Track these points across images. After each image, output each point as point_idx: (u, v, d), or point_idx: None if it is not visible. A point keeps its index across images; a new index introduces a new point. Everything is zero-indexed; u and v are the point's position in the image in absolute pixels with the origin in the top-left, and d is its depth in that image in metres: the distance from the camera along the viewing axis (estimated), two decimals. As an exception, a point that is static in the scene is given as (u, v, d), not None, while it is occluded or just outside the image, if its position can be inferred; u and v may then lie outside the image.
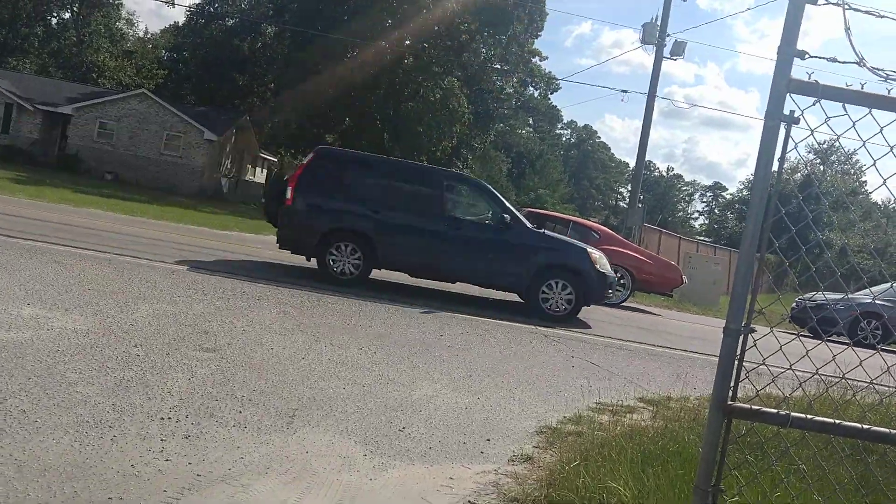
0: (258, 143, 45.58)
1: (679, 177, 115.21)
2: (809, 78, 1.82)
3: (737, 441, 1.98)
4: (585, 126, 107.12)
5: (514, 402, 5.34)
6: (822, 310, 12.89)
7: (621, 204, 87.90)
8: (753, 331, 1.87)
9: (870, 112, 1.88)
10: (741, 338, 1.84)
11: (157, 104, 36.04)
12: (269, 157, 51.16)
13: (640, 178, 23.96)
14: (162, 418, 3.79)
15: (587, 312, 11.94)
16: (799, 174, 50.61)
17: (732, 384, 1.87)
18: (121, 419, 3.68)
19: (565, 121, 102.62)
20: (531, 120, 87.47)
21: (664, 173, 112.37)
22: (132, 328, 5.40)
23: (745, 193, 52.70)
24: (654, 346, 9.01)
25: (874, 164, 1.98)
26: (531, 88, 50.51)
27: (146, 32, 66.01)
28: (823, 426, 1.85)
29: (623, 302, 14.23)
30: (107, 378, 4.25)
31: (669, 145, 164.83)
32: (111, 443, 3.38)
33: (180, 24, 54.11)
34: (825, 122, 1.86)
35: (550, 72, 49.79)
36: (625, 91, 51.26)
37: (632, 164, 26.43)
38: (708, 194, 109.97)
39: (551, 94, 51.07)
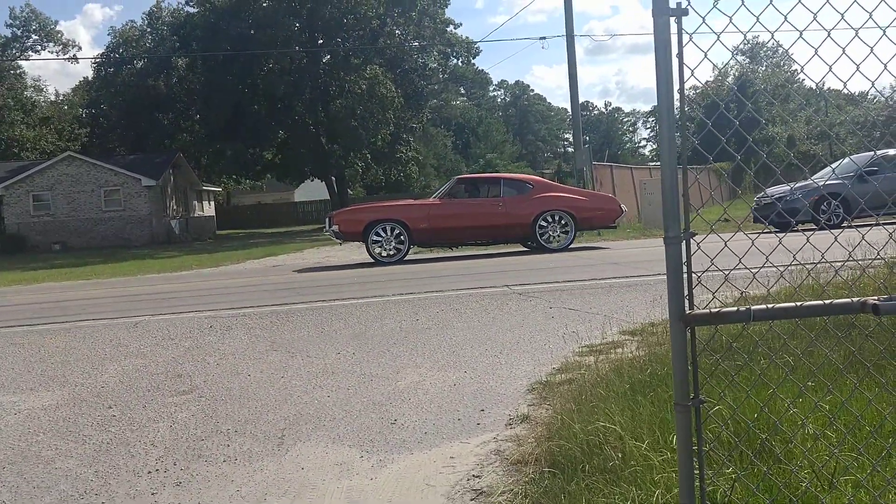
0: (199, 178, 44.90)
1: (619, 110, 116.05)
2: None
3: (706, 349, 1.94)
4: (517, 82, 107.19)
5: (502, 366, 5.30)
6: (780, 203, 13.07)
7: (569, 150, 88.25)
8: (694, 235, 1.82)
9: (757, -13, 1.83)
10: (682, 244, 1.79)
11: (86, 163, 35.33)
12: (213, 189, 50.44)
13: (578, 119, 24.01)
14: (149, 472, 3.68)
15: (554, 260, 11.96)
16: (731, 77, 51.09)
17: (687, 293, 1.82)
18: (107, 484, 3.56)
19: (496, 82, 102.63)
20: (462, 89, 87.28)
21: (603, 110, 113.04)
22: (103, 390, 5.26)
23: (685, 109, 52.94)
24: (627, 277, 9.03)
25: (798, 38, 1.94)
26: (453, 58, 50.24)
27: (57, 95, 64.29)
28: (786, 312, 1.82)
29: (570, 245, 14.24)
30: (85, 447, 4.12)
31: (602, 81, 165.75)
32: (100, 511, 3.27)
33: (90, 78, 52.80)
34: (714, 5, 1.81)
35: (468, 37, 49.63)
36: (543, 38, 51.35)
37: (570, 108, 26.55)
38: (650, 120, 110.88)
39: (474, 58, 50.88)
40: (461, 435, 3.95)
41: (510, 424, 4.03)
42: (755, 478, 2.22)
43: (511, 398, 4.51)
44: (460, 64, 54.40)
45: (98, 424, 4.51)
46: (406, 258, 13.98)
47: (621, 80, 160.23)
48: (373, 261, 13.78)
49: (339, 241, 14.70)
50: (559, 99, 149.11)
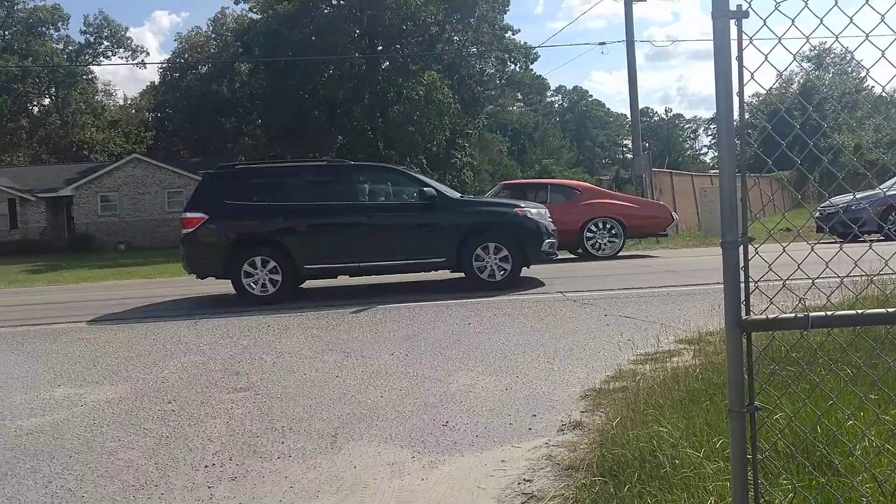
0: (259, 181, 45.69)
1: (679, 116, 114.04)
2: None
3: (762, 357, 1.91)
4: (575, 88, 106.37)
5: (555, 372, 5.27)
6: (846, 213, 12.66)
7: (628, 156, 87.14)
8: (752, 240, 1.80)
9: (820, -13, 1.80)
10: (740, 249, 1.76)
11: (151, 166, 36.43)
12: (272, 192, 51.27)
13: (637, 125, 23.73)
14: (206, 466, 3.78)
15: (610, 268, 11.84)
16: (795, 85, 49.77)
17: (743, 298, 1.79)
18: (165, 476, 3.66)
19: (554, 88, 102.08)
20: (519, 95, 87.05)
21: (664, 116, 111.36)
22: (163, 386, 5.41)
23: (746, 117, 52.06)
24: (685, 286, 8.88)
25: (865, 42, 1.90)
26: (510, 64, 50.20)
27: (126, 99, 66.53)
28: (847, 319, 1.78)
29: (618, 253, 13.99)
30: (146, 439, 4.25)
31: (663, 87, 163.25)
32: (159, 501, 3.37)
33: (156, 82, 54.48)
34: (776, 7, 1.78)
35: (526, 42, 49.52)
36: (602, 43, 51.38)
37: (629, 114, 26.16)
38: (711, 126, 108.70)
39: (531, 64, 50.75)
40: (512, 439, 3.94)
41: (562, 430, 4.00)
42: (812, 490, 2.17)
43: (563, 404, 4.48)
44: (518, 69, 54.34)
45: (158, 418, 4.64)
46: None
47: (682, 87, 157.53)
48: None
49: None
50: (618, 105, 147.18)
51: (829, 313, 1.75)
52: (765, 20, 1.78)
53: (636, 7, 22.71)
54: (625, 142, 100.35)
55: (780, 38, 1.80)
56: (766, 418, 2.35)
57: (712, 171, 47.95)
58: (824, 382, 2.49)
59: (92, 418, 4.71)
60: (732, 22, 1.75)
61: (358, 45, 42.36)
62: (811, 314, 1.74)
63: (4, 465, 3.94)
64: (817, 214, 13.60)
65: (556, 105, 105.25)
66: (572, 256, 14.93)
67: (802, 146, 2.12)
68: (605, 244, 13.91)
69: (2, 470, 3.86)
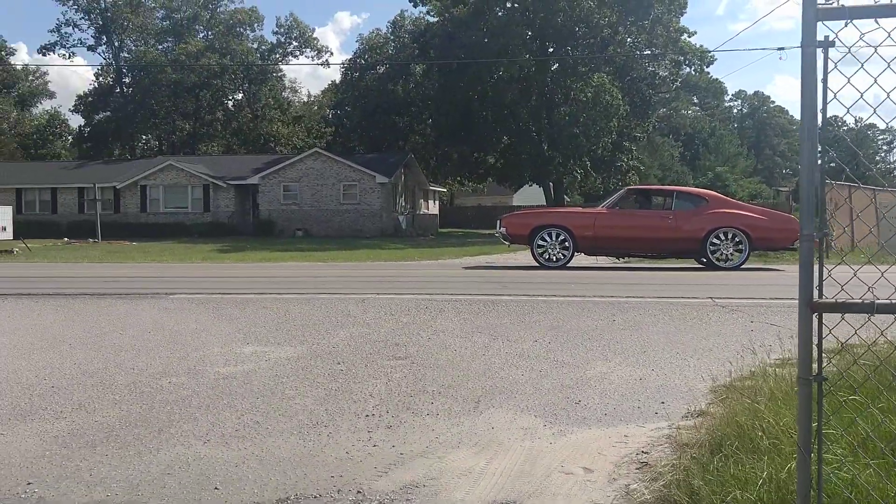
0: (426, 178, 47.47)
1: (872, 126, 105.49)
2: (837, 3, 2.07)
3: (831, 334, 2.21)
4: (756, 93, 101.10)
5: (689, 368, 5.51)
6: None
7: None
8: (827, 234, 2.11)
9: (900, 19, 2.08)
10: (815, 242, 2.08)
11: (330, 160, 38.79)
12: (438, 189, 53.08)
13: (815, 133, 22.56)
14: (367, 415, 4.42)
15: (767, 278, 11.59)
16: None
17: (816, 283, 2.11)
18: (333, 420, 4.34)
19: (733, 92, 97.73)
20: (695, 98, 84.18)
21: (853, 126, 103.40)
22: (334, 350, 6.18)
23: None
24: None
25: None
26: (685, 67, 48.83)
27: (309, 96, 71.10)
28: (911, 308, 2.04)
29: (742, 264, 13.50)
30: (318, 391, 4.97)
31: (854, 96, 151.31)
32: (328, 438, 4.03)
33: (337, 81, 57.81)
34: (860, 38, 2.08)
35: (702, 45, 48.05)
36: (781, 48, 48.53)
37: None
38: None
39: (707, 67, 49.09)
40: (638, 420, 4.29)
41: (686, 417, 4.29)
42: (887, 468, 2.40)
43: (692, 396, 4.74)
44: (693, 73, 52.74)
45: (328, 375, 5.37)
46: (595, 265, 14.13)
47: (879, 94, 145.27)
48: (537, 264, 14.09)
49: (506, 242, 15.01)
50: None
51: (894, 301, 2.03)
52: (849, 48, 2.09)
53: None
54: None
55: (862, 64, 2.10)
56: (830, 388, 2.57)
57: (903, 186, 44.18)
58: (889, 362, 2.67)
59: (274, 371, 5.52)
60: (818, 51, 2.07)
61: (529, 46, 42.90)
62: (877, 301, 2.03)
63: (207, 399, 4.79)
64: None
65: (735, 110, 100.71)
66: (697, 264, 14.62)
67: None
68: (729, 255, 13.55)
69: (206, 403, 4.71)
